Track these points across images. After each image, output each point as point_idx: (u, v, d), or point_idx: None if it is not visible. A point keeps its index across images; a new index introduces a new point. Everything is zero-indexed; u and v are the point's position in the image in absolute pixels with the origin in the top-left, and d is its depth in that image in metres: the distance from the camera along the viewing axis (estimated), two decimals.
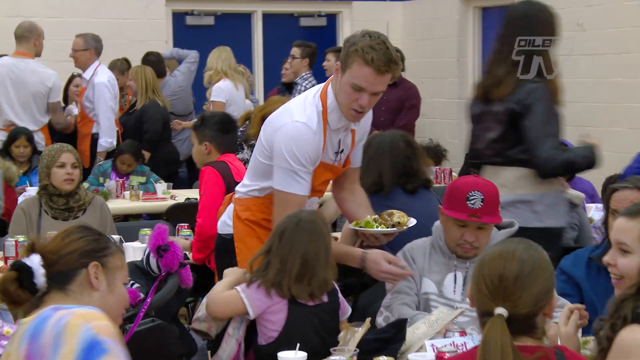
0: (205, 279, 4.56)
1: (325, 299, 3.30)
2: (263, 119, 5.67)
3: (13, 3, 9.30)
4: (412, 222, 3.62)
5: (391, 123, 8.37)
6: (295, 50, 8.33)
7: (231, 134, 5.17)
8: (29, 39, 7.41)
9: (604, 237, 3.64)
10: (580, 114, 8.62)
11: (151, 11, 9.83)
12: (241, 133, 6.26)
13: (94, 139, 7.70)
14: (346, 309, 3.43)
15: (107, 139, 7.70)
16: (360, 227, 3.65)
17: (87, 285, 2.40)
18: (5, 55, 7.58)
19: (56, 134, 7.77)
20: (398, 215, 3.59)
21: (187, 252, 5.01)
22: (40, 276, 2.34)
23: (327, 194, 5.19)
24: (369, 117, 3.75)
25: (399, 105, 8.62)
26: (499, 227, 3.72)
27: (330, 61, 8.15)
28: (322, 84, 3.65)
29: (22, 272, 2.33)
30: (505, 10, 4.33)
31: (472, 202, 3.47)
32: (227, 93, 7.92)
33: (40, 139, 7.31)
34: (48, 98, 7.39)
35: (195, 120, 8.26)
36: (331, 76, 3.62)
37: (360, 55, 3.37)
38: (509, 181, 4.20)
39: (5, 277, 2.35)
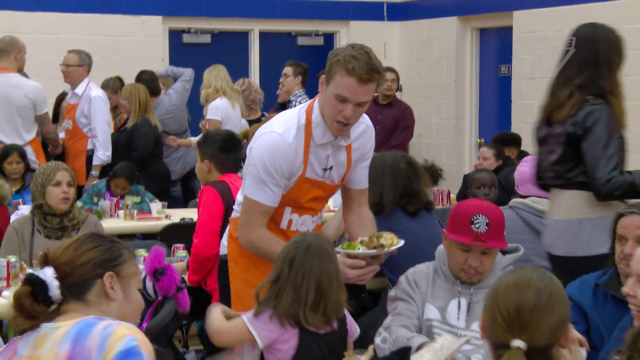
0: (201, 301, 4.47)
1: (335, 325, 3.22)
2: None
3: (9, 20, 9.24)
4: (399, 244, 3.49)
5: (385, 143, 8.34)
6: (288, 69, 8.35)
7: (233, 153, 5.05)
8: (9, 53, 7.29)
9: (611, 263, 3.56)
10: None
11: (148, 29, 9.79)
12: None
13: (89, 155, 7.61)
14: (355, 331, 3.34)
15: (105, 152, 7.65)
16: (344, 249, 3.55)
17: (103, 295, 2.39)
18: None
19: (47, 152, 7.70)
20: (385, 237, 3.46)
21: (183, 276, 4.92)
22: (54, 289, 2.31)
23: (326, 214, 5.14)
24: (370, 136, 3.69)
25: (393, 125, 8.62)
26: (504, 252, 3.64)
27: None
28: (311, 100, 3.61)
29: (36, 286, 2.31)
30: (572, 32, 4.30)
31: (476, 225, 3.40)
32: (224, 111, 7.84)
33: (30, 153, 7.21)
34: (35, 111, 7.28)
35: (193, 136, 8.31)
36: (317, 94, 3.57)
37: (342, 65, 3.33)
38: (566, 204, 4.15)
39: (20, 292, 2.32)
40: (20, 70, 7.41)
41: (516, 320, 2.14)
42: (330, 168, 3.57)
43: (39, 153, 7.34)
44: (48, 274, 2.32)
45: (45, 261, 2.37)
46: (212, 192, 4.82)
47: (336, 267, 3.22)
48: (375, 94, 10.37)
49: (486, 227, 3.39)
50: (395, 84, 8.74)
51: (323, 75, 3.45)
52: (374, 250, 3.43)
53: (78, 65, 7.69)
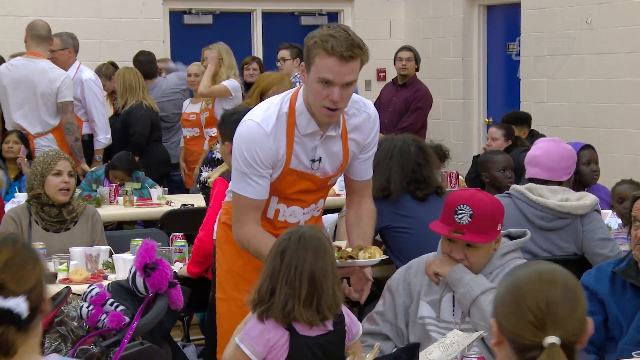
0: (202, 292, 4.31)
1: (330, 327, 3.02)
2: (261, 94, 5.39)
3: (5, 1, 9.06)
4: (372, 260, 3.22)
5: (394, 125, 8.10)
6: (284, 52, 8.15)
7: None
8: (47, 39, 7.13)
9: (630, 249, 3.39)
10: (589, 115, 8.40)
11: (148, 10, 9.61)
12: None
13: (84, 140, 7.39)
14: (356, 332, 3.13)
15: (106, 136, 7.49)
16: None
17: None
18: (20, 54, 7.31)
19: None
20: (364, 252, 3.23)
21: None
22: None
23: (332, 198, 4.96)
24: (372, 126, 3.44)
25: (404, 106, 8.34)
26: (511, 237, 3.45)
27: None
28: (298, 87, 3.40)
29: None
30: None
31: (459, 216, 3.22)
32: (237, 90, 7.67)
33: (50, 141, 7.02)
34: (57, 98, 7.06)
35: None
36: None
37: (320, 46, 3.14)
38: None
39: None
40: (52, 59, 7.23)
41: (548, 316, 1.98)
42: (320, 159, 3.36)
43: (62, 142, 7.11)
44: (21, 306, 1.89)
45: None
46: (223, 184, 4.51)
47: (332, 262, 3.02)
48: (382, 74, 10.13)
49: (469, 219, 3.20)
50: (410, 62, 8.44)
51: (302, 63, 3.25)
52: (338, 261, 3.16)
53: (62, 49, 7.43)
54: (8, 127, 7.04)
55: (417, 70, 8.53)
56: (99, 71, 8.18)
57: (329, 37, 3.13)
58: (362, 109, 3.42)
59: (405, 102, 8.34)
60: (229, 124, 4.65)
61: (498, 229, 3.27)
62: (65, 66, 7.41)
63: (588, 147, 5.66)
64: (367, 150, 3.48)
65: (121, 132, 7.64)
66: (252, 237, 3.32)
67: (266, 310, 2.94)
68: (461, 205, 3.22)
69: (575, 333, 2.00)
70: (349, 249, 3.30)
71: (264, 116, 3.29)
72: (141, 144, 7.58)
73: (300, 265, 2.92)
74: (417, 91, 8.40)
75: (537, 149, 4.73)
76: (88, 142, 7.43)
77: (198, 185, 5.78)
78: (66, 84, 7.05)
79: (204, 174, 5.53)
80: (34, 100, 6.99)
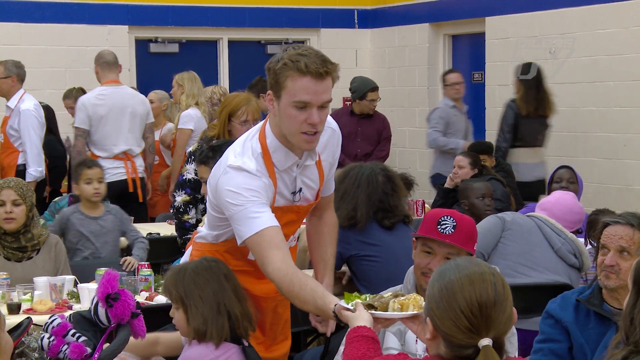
0: (166, 321, 4.26)
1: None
2: (230, 115, 5.35)
3: None
4: (394, 314, 2.66)
5: (369, 154, 8.18)
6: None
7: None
8: (115, 64, 7.39)
9: (594, 277, 3.42)
10: (553, 143, 8.46)
11: (113, 38, 9.59)
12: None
13: (19, 170, 7.30)
14: None
15: (37, 168, 7.32)
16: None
17: None
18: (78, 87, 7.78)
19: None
20: (397, 297, 2.72)
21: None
22: None
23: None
24: (337, 140, 3.33)
25: (376, 136, 8.47)
26: None
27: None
28: (261, 124, 3.20)
29: None
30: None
31: (442, 226, 3.22)
32: (196, 121, 7.62)
33: (142, 161, 7.37)
34: (147, 120, 7.42)
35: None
36: (267, 116, 3.19)
37: (291, 67, 2.93)
38: None
39: None
40: None
41: (481, 320, 2.07)
42: (300, 190, 3.24)
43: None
44: None
45: None
46: None
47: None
48: (348, 103, 10.20)
49: (452, 230, 3.21)
50: (379, 100, 8.60)
51: (269, 93, 3.03)
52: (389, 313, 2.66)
53: (4, 77, 7.39)
54: (107, 154, 7.17)
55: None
56: (69, 94, 8.18)
57: (299, 56, 2.93)
58: (326, 125, 3.22)
59: (377, 132, 8.46)
60: (206, 152, 4.52)
61: (474, 249, 3.29)
62: (7, 95, 7.45)
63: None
64: (335, 165, 3.39)
65: None
66: (281, 277, 2.97)
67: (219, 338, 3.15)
68: (445, 217, 3.23)
69: (505, 331, 2.10)
70: (380, 295, 2.82)
71: (241, 161, 3.08)
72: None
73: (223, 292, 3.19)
74: (384, 121, 8.62)
75: (552, 196, 4.90)
76: (23, 172, 7.29)
77: (172, 211, 5.72)
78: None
79: (178, 199, 5.49)
80: (132, 124, 7.27)
